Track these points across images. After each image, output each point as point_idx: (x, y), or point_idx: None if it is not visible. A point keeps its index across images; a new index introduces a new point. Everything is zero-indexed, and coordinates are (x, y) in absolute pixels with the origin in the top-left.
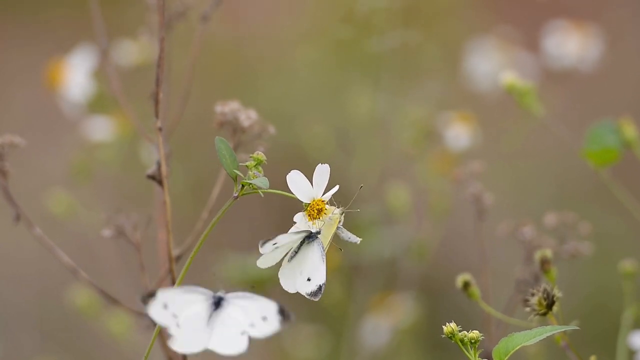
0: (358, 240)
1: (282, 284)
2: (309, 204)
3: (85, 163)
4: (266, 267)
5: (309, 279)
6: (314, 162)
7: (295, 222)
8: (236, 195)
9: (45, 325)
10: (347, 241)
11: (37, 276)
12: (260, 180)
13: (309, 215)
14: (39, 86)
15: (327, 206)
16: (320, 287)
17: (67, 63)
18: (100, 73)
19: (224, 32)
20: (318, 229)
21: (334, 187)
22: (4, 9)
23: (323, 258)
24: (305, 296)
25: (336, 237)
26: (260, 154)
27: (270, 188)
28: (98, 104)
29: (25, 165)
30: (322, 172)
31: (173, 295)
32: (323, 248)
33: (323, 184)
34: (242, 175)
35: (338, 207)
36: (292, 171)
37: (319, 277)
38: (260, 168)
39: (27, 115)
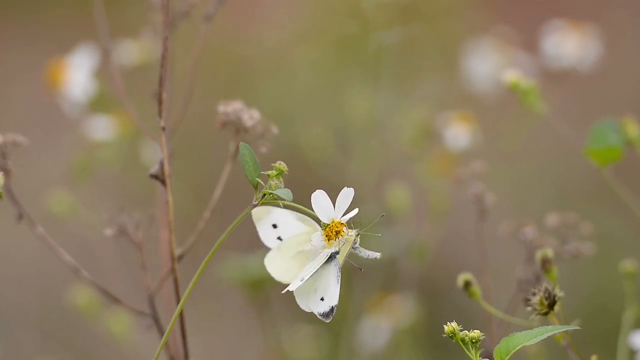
0: (378, 255)
1: (298, 302)
2: (328, 224)
3: (86, 163)
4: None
5: (322, 299)
6: (313, 162)
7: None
8: (256, 203)
9: (45, 325)
10: (367, 258)
11: (37, 276)
12: (283, 192)
13: (326, 235)
14: (39, 86)
15: (344, 229)
16: (332, 309)
17: (69, 62)
18: (102, 72)
19: (225, 32)
20: (337, 249)
21: (352, 211)
22: (4, 8)
23: (338, 279)
24: (317, 316)
25: (355, 255)
26: (282, 164)
27: None
28: (99, 104)
29: (25, 165)
30: (346, 195)
31: (285, 218)
32: (339, 269)
33: (344, 207)
34: (263, 184)
35: (354, 228)
36: (317, 191)
37: (332, 298)
38: (281, 178)
39: (27, 115)
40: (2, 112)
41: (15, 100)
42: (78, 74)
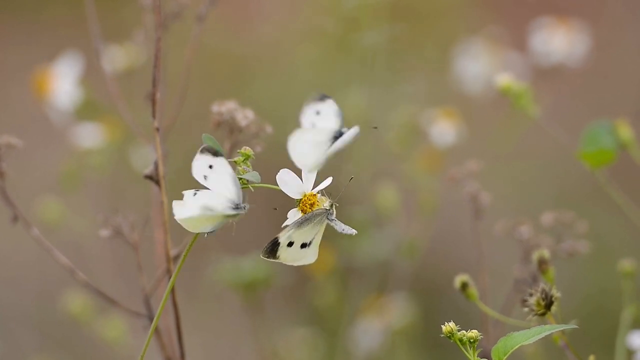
0: (354, 231)
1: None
2: (301, 199)
3: (75, 171)
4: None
5: None
6: None
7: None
8: None
9: (44, 326)
10: (342, 233)
11: (35, 278)
12: (252, 175)
13: (302, 210)
14: (34, 88)
15: (319, 197)
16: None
17: (54, 71)
18: (89, 78)
19: (221, 32)
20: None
21: (325, 181)
22: (3, 8)
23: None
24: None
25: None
26: (248, 149)
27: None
28: (87, 110)
29: (23, 166)
30: None
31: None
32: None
33: (312, 177)
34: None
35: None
36: (281, 171)
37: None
38: (248, 163)
39: (26, 114)
40: (1, 111)
41: (15, 99)
42: (64, 82)
